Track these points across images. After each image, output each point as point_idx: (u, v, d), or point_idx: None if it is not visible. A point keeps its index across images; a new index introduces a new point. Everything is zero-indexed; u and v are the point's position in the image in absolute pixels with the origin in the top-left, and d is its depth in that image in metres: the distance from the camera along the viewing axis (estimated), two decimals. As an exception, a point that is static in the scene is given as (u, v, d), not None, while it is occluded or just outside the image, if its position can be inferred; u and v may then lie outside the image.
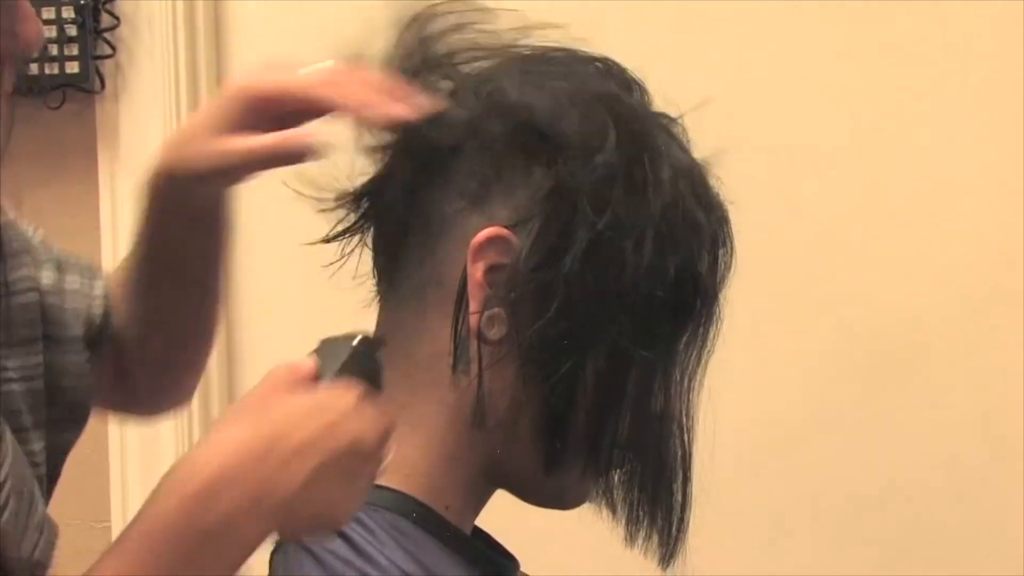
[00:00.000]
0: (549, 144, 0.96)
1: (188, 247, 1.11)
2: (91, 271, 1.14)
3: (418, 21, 1.03)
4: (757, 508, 1.91)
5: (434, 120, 0.97)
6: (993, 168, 1.84)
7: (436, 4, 1.02)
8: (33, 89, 2.02)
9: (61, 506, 1.02)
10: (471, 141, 0.97)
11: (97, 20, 2.04)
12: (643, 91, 1.03)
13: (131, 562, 0.83)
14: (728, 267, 1.04)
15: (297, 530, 0.87)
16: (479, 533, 1.05)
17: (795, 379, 1.90)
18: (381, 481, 0.97)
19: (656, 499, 1.02)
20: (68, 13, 2.02)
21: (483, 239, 0.95)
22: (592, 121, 0.97)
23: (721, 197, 1.03)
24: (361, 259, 1.03)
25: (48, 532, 0.94)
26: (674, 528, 1.02)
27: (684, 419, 1.02)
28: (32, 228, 1.11)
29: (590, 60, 1.03)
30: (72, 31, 2.02)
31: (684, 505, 1.03)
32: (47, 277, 1.08)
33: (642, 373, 0.99)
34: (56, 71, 2.02)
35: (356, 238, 1.03)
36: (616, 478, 1.02)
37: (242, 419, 0.86)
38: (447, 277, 0.96)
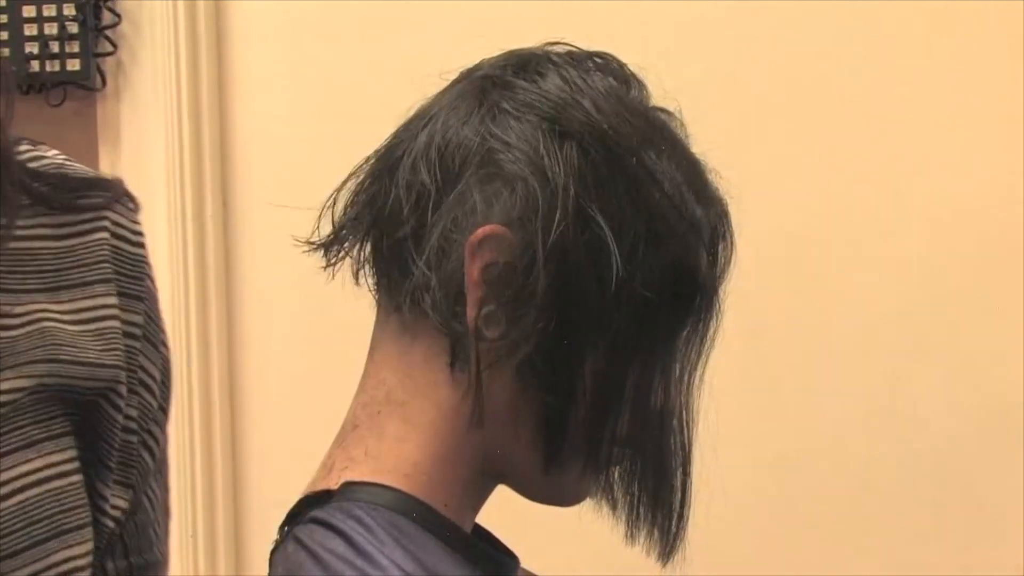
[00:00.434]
0: (546, 121, 0.96)
1: None
2: None
3: None
4: (757, 507, 1.91)
5: None
6: (993, 165, 1.84)
7: None
8: (34, 86, 2.02)
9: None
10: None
11: (98, 17, 2.04)
12: (641, 86, 1.03)
13: None
14: (728, 261, 1.03)
15: None
16: (479, 531, 1.05)
17: (796, 378, 1.89)
18: (380, 480, 0.97)
19: (656, 494, 1.01)
20: (69, 10, 2.02)
21: (480, 237, 0.94)
22: (590, 118, 0.97)
23: (720, 192, 1.03)
24: (361, 259, 1.03)
25: None
26: (674, 523, 1.02)
27: (684, 414, 1.02)
28: None
29: (588, 56, 1.03)
30: (73, 28, 2.02)
31: (684, 500, 1.03)
32: None
33: (641, 370, 0.98)
34: (57, 68, 2.02)
35: (355, 238, 1.02)
36: (616, 474, 1.02)
37: None
38: (446, 275, 0.96)
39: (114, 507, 0.91)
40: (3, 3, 2.02)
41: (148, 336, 0.91)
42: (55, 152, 0.90)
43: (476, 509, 1.03)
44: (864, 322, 1.88)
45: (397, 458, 0.97)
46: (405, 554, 0.94)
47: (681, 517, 1.03)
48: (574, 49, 1.03)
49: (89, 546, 0.88)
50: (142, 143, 2.03)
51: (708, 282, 1.00)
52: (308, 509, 0.97)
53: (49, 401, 0.85)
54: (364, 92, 1.94)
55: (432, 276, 0.96)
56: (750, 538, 1.92)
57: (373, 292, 1.02)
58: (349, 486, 0.96)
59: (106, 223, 0.89)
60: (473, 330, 0.95)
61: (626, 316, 0.96)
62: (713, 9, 1.89)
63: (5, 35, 2.01)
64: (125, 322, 0.89)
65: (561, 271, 0.95)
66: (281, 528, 0.98)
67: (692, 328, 1.01)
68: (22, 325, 0.84)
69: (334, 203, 1.03)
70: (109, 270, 0.89)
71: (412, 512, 0.96)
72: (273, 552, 0.97)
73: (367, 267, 1.02)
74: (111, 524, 0.91)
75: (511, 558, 1.06)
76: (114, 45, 2.04)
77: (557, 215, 0.94)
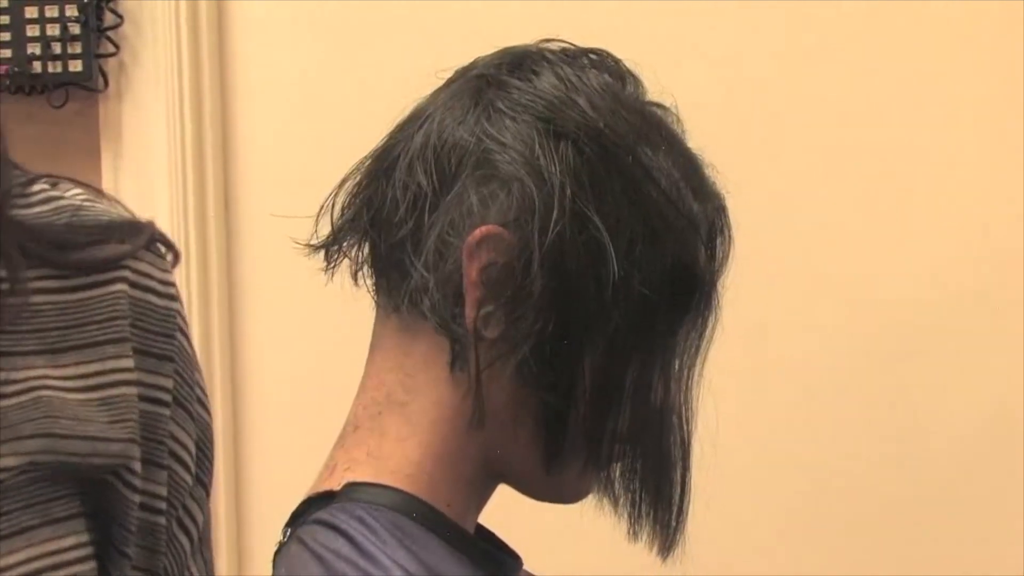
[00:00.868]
0: (541, 120, 0.96)
1: None
2: None
3: None
4: (756, 507, 1.91)
5: None
6: (994, 166, 1.84)
7: None
8: (36, 87, 2.02)
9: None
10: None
11: (100, 18, 2.04)
12: (637, 82, 1.03)
13: None
14: (726, 256, 1.04)
15: None
16: (482, 531, 1.05)
17: (796, 378, 1.89)
18: (383, 481, 0.97)
19: (657, 489, 1.02)
20: (71, 11, 2.01)
21: (478, 237, 0.95)
22: (586, 116, 0.97)
23: (717, 186, 1.03)
24: (359, 260, 1.03)
25: None
26: (674, 517, 1.03)
27: (683, 409, 1.02)
28: None
29: (583, 53, 1.03)
30: (75, 29, 2.02)
31: (683, 494, 1.03)
32: None
33: (641, 367, 0.99)
34: (59, 69, 2.02)
35: (353, 239, 1.02)
36: (617, 471, 1.02)
37: None
38: (444, 276, 0.96)
39: None
40: (5, 4, 2.02)
41: (180, 400, 0.80)
42: (75, 192, 0.79)
43: (479, 508, 1.03)
44: (864, 322, 1.88)
45: (399, 459, 0.98)
46: (408, 554, 0.94)
47: (681, 511, 1.03)
48: (569, 46, 1.03)
49: None
50: (144, 144, 2.03)
51: (706, 278, 1.01)
52: (311, 510, 0.97)
53: (46, 482, 0.74)
54: (367, 93, 1.94)
55: (430, 277, 0.96)
56: (750, 539, 1.92)
57: (372, 293, 1.02)
58: (352, 487, 0.96)
59: (126, 273, 0.78)
60: (472, 331, 0.95)
61: (625, 314, 0.96)
62: (718, 8, 1.89)
63: (7, 36, 2.01)
64: (147, 386, 0.78)
65: (559, 271, 0.95)
66: (284, 529, 0.98)
67: (691, 324, 1.01)
68: (15, 394, 0.73)
69: (332, 205, 1.03)
70: (125, 328, 0.77)
71: (413, 512, 0.96)
72: (276, 554, 0.97)
73: (366, 268, 1.02)
74: None
75: (514, 558, 1.06)
76: (116, 46, 2.04)
77: (554, 215, 0.94)
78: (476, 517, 1.03)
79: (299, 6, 2.01)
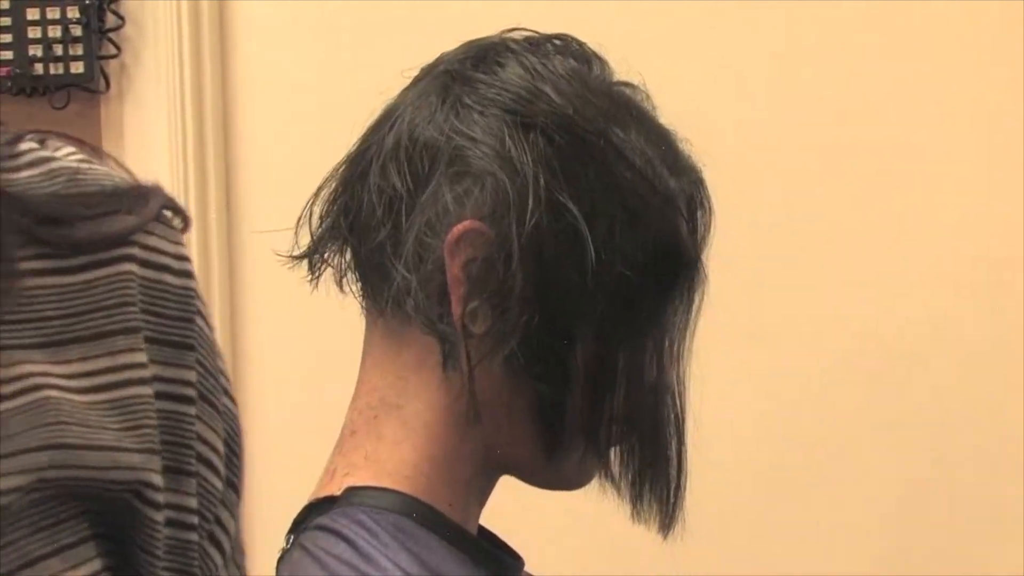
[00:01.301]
0: (510, 113, 0.97)
1: None
2: None
3: None
4: (754, 507, 1.91)
5: None
6: (995, 166, 1.84)
7: None
8: (38, 89, 2.03)
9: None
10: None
11: (102, 20, 2.04)
12: (603, 64, 1.03)
13: None
14: (708, 229, 1.03)
15: None
16: (483, 531, 1.06)
17: (796, 381, 1.89)
18: (382, 484, 0.97)
19: (654, 467, 1.01)
20: (73, 13, 2.02)
21: (457, 234, 0.95)
22: (553, 104, 0.97)
23: (693, 160, 1.03)
24: (342, 267, 1.03)
25: None
26: (672, 493, 1.02)
27: (676, 384, 1.02)
28: None
29: (546, 40, 1.02)
30: (77, 31, 2.02)
31: (680, 469, 1.03)
32: None
33: (632, 348, 0.99)
34: (61, 71, 2.02)
35: (333, 247, 1.03)
36: (615, 452, 1.02)
37: None
38: (426, 276, 0.97)
39: None
40: (6, 5, 2.02)
41: (204, 394, 0.69)
42: (69, 151, 0.68)
43: (482, 503, 1.03)
44: (866, 327, 1.88)
45: (397, 461, 0.98)
46: (409, 556, 0.94)
47: (679, 487, 1.03)
48: (532, 34, 1.03)
49: None
50: (146, 146, 2.03)
51: (690, 252, 1.01)
52: (312, 516, 0.97)
53: (54, 501, 0.62)
54: (368, 93, 1.94)
55: (412, 279, 0.96)
56: (750, 539, 1.92)
57: (359, 299, 1.02)
58: (352, 491, 0.97)
59: (134, 250, 0.66)
60: (460, 328, 0.95)
61: (610, 298, 0.96)
62: (716, 9, 1.89)
63: (9, 37, 2.01)
64: (167, 381, 0.66)
65: (539, 261, 0.95)
66: (287, 536, 0.98)
67: (679, 300, 1.01)
68: (14, 395, 0.61)
69: (310, 214, 1.03)
70: (136, 315, 0.65)
71: (413, 513, 0.96)
72: (280, 560, 0.97)
73: (350, 275, 1.02)
74: None
75: (515, 558, 1.06)
76: (118, 48, 2.04)
77: (529, 206, 0.94)
78: (479, 511, 1.03)
79: (300, 7, 2.01)
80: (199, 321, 0.68)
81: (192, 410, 0.67)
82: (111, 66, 2.05)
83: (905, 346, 1.87)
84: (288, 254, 1.04)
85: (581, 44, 1.03)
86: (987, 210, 1.85)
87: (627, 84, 1.02)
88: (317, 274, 1.03)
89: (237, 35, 2.05)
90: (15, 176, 0.63)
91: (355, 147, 1.03)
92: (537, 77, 0.98)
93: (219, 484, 0.70)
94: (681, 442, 1.03)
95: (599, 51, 1.03)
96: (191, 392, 0.67)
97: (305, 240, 1.04)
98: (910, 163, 1.87)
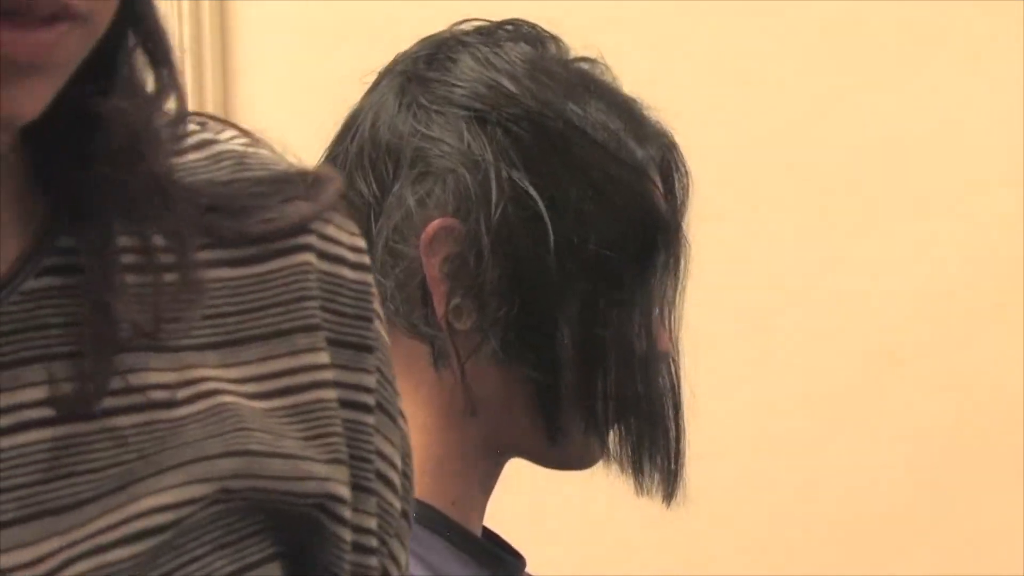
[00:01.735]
0: (467, 111, 0.97)
1: None
2: None
3: None
4: (756, 508, 1.91)
5: None
6: (996, 166, 1.84)
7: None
8: (40, 91, 2.03)
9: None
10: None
11: (103, 22, 2.04)
12: (557, 42, 1.03)
13: None
14: (686, 192, 1.04)
15: None
16: (486, 532, 1.06)
17: (794, 381, 1.89)
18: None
19: (653, 436, 1.02)
20: (74, 15, 2.02)
21: (431, 233, 0.96)
22: (508, 94, 0.97)
23: (661, 125, 1.03)
24: None
25: None
26: (672, 461, 1.03)
27: (669, 353, 1.02)
28: None
29: (498, 27, 1.03)
30: (78, 33, 2.02)
31: (679, 436, 1.03)
32: None
33: (618, 323, 0.99)
34: (63, 73, 2.02)
35: None
36: (615, 427, 1.02)
37: None
38: (402, 280, 0.97)
39: None
40: (9, 7, 2.02)
41: (383, 405, 0.62)
42: (232, 134, 0.62)
43: (488, 491, 1.03)
44: (865, 322, 1.88)
45: None
46: (413, 558, 0.95)
47: (679, 454, 1.03)
48: (483, 23, 1.03)
49: None
50: (148, 147, 2.03)
51: (666, 221, 1.00)
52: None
53: (237, 514, 0.56)
54: (368, 94, 1.95)
55: (387, 284, 0.97)
56: (750, 539, 1.92)
57: None
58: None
59: (311, 239, 0.59)
60: (445, 325, 0.96)
61: (590, 277, 0.97)
62: (717, 9, 1.89)
63: (11, 40, 2.01)
64: (347, 387, 0.60)
65: (511, 252, 0.96)
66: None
67: (661, 269, 1.01)
68: (188, 401, 0.55)
69: None
70: (315, 311, 0.59)
71: (415, 514, 0.97)
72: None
73: None
74: None
75: (517, 559, 1.07)
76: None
77: (492, 199, 0.95)
78: (486, 500, 1.03)
79: (302, 8, 2.01)
80: (377, 323, 0.62)
81: (371, 419, 0.61)
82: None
83: (906, 347, 1.87)
84: None
85: (533, 26, 1.03)
86: (987, 210, 1.85)
87: (585, 59, 1.03)
88: None
89: (238, 34, 2.05)
90: (181, 160, 0.59)
91: (323, 157, 1.04)
92: (490, 68, 0.99)
93: (397, 505, 0.64)
94: (678, 409, 1.03)
95: (552, 30, 1.03)
96: (370, 400, 0.61)
97: None
98: (910, 163, 1.87)
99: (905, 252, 1.87)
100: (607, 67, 1.03)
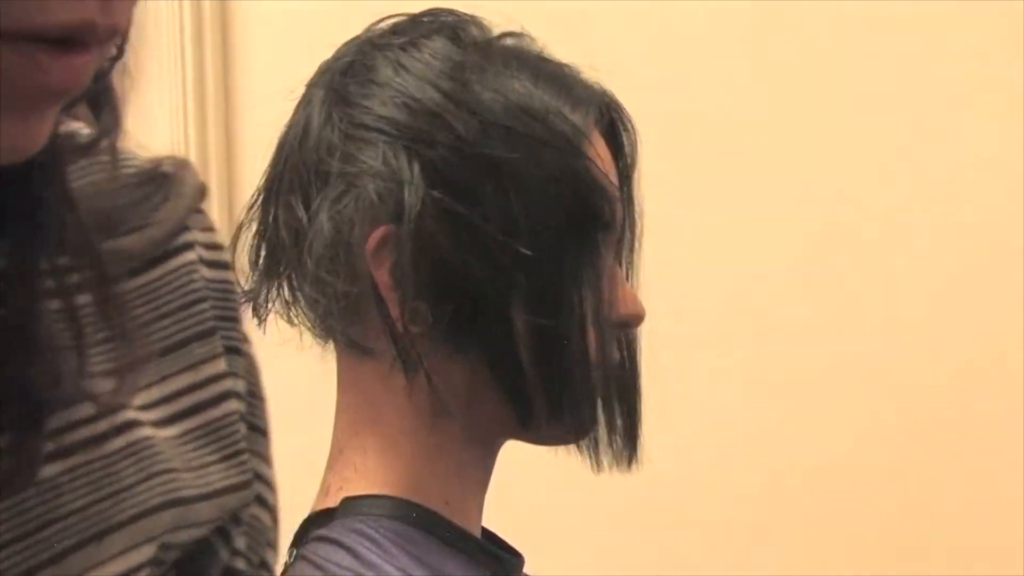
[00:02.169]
0: (387, 124, 0.97)
1: None
2: None
3: None
4: (755, 508, 1.91)
5: None
6: (996, 166, 1.84)
7: None
8: (40, 91, 2.02)
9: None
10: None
11: (104, 22, 2.04)
12: (478, 23, 1.03)
13: None
14: (634, 147, 1.04)
15: None
16: (484, 531, 1.06)
17: (795, 380, 1.89)
18: (376, 491, 0.98)
19: (619, 396, 1.02)
20: (74, 15, 2.02)
21: (373, 244, 0.96)
22: (429, 98, 0.97)
23: (596, 85, 1.02)
24: (285, 303, 1.04)
25: None
26: (635, 420, 1.03)
27: (623, 317, 1.02)
28: None
29: (414, 22, 1.03)
30: (78, 33, 2.02)
31: (636, 395, 1.03)
32: None
33: (569, 297, 0.98)
34: (63, 73, 2.02)
35: (270, 284, 1.03)
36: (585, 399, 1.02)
37: None
38: (345, 293, 0.97)
39: None
40: (8, 8, 2.02)
41: (254, 413, 0.57)
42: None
43: (483, 486, 1.04)
44: (865, 323, 1.88)
45: (386, 469, 0.99)
46: (411, 560, 0.95)
47: (636, 411, 1.03)
48: (399, 20, 1.03)
49: None
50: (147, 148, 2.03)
51: (604, 186, 1.00)
52: (312, 529, 0.98)
53: (167, 566, 0.49)
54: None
55: (324, 302, 0.98)
56: (750, 540, 1.92)
57: (308, 328, 1.04)
58: (348, 501, 0.98)
59: (193, 235, 0.54)
60: (403, 331, 0.96)
61: (531, 259, 0.96)
62: (716, 9, 1.89)
63: (10, 40, 2.01)
64: (241, 397, 0.54)
65: (438, 252, 0.95)
66: (289, 551, 0.99)
67: (608, 235, 1.01)
68: (112, 433, 0.47)
69: (234, 251, 1.03)
70: (208, 314, 0.53)
71: (410, 516, 0.97)
72: (282, 575, 0.97)
73: (294, 308, 1.03)
74: None
75: (515, 557, 1.06)
76: (119, 49, 2.04)
77: (406, 205, 0.95)
78: (483, 495, 1.04)
79: (302, 9, 2.01)
80: (243, 323, 0.56)
81: (249, 433, 0.54)
82: (112, 68, 2.05)
83: (904, 344, 1.87)
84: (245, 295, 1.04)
85: (451, 11, 1.03)
86: (987, 210, 1.85)
87: (510, 34, 1.02)
88: (263, 317, 1.03)
89: (239, 37, 2.05)
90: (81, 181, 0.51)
91: (261, 182, 1.04)
92: (407, 76, 0.98)
93: (269, 520, 0.58)
94: (635, 366, 1.04)
95: (472, 15, 1.02)
96: (244, 408, 0.54)
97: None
98: (909, 162, 1.86)
99: (904, 252, 1.87)
100: (533, 38, 1.02)
